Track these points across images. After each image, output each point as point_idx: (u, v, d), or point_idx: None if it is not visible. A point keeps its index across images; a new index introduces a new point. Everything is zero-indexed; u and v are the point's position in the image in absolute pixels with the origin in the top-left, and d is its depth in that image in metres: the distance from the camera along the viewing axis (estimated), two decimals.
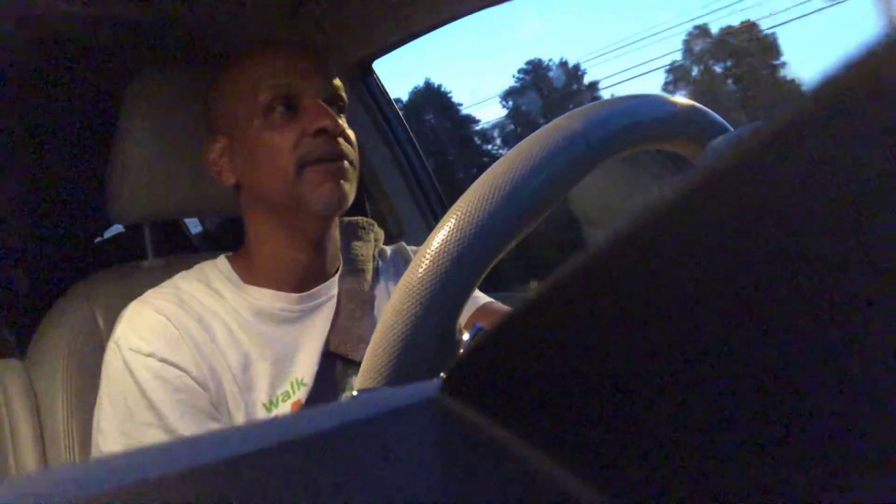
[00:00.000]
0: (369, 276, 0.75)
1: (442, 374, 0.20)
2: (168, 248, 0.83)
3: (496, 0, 0.84)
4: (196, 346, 0.61)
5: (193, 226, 1.51)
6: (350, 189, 0.66)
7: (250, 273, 0.69)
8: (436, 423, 0.18)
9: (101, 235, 1.29)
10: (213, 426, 0.60)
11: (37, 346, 0.73)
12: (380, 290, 0.75)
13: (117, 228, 1.27)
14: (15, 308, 0.95)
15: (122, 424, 0.59)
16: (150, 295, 0.65)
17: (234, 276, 0.68)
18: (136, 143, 0.74)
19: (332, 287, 0.71)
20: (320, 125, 0.63)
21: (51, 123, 0.91)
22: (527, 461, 0.16)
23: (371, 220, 0.83)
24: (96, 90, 0.86)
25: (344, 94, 0.70)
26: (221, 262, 0.70)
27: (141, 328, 0.61)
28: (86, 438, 0.69)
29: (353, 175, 0.67)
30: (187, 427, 0.58)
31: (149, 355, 0.59)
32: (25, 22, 0.67)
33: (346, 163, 0.65)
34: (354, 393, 0.31)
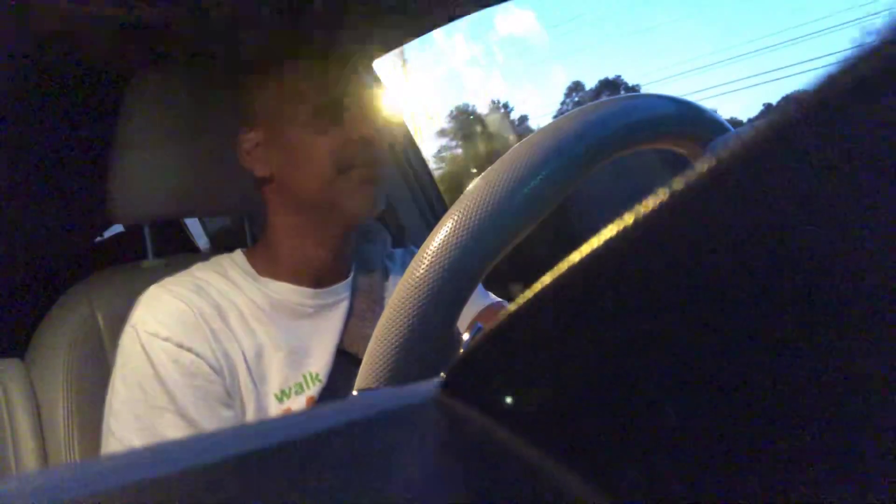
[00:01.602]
0: (380, 277, 0.77)
1: (442, 374, 0.20)
2: (168, 249, 0.83)
3: (497, 0, 0.84)
4: (212, 332, 0.62)
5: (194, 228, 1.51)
6: (382, 197, 0.70)
7: (267, 267, 0.70)
8: (436, 423, 0.18)
9: (101, 235, 1.29)
10: (226, 413, 0.61)
11: (37, 346, 0.73)
12: (389, 292, 0.77)
13: (117, 228, 1.27)
14: (15, 308, 0.94)
15: (136, 407, 0.59)
16: (169, 281, 0.66)
17: (251, 269, 0.70)
18: (137, 142, 0.74)
19: (346, 287, 0.73)
20: (365, 133, 0.66)
21: (51, 123, 0.91)
22: (527, 461, 0.16)
23: (380, 224, 0.85)
24: (96, 90, 0.86)
25: (382, 108, 0.73)
26: (238, 255, 0.72)
27: (159, 312, 0.62)
28: (86, 438, 0.69)
29: (385, 183, 0.70)
30: (200, 412, 0.59)
31: (166, 339, 0.60)
32: (25, 21, 0.67)
33: (381, 171, 0.69)
34: (354, 393, 0.32)
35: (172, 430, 0.58)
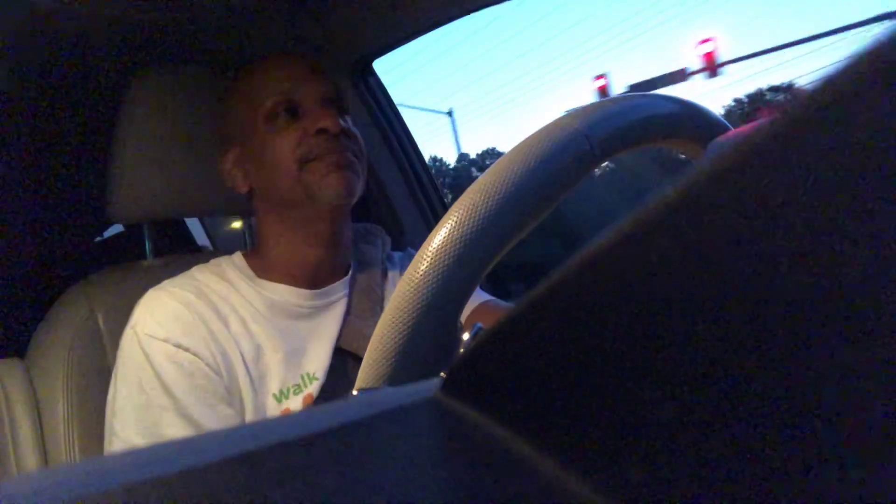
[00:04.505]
0: (379, 277, 0.77)
1: (442, 374, 0.20)
2: (168, 249, 0.83)
3: (494, 2, 0.84)
4: (210, 333, 0.63)
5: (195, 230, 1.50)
6: (357, 179, 0.69)
7: (264, 269, 0.71)
8: (436, 423, 0.18)
9: (101, 235, 1.29)
10: (227, 411, 0.61)
11: (37, 346, 0.73)
12: (388, 291, 0.77)
13: (117, 228, 1.27)
14: (15, 308, 0.95)
15: (137, 407, 0.60)
16: (168, 284, 0.67)
17: (249, 272, 0.71)
18: (136, 142, 0.74)
19: (343, 286, 0.73)
20: (320, 125, 0.66)
21: (51, 123, 0.91)
22: (527, 461, 0.16)
23: (379, 226, 0.86)
24: (96, 90, 0.86)
25: (345, 96, 0.73)
26: (237, 257, 0.73)
27: (157, 314, 0.63)
28: (86, 438, 0.69)
29: (359, 167, 0.70)
30: (201, 411, 0.60)
31: (164, 340, 0.61)
32: (25, 21, 0.67)
33: (349, 154, 0.68)
34: (354, 392, 0.32)
35: (174, 429, 0.59)
